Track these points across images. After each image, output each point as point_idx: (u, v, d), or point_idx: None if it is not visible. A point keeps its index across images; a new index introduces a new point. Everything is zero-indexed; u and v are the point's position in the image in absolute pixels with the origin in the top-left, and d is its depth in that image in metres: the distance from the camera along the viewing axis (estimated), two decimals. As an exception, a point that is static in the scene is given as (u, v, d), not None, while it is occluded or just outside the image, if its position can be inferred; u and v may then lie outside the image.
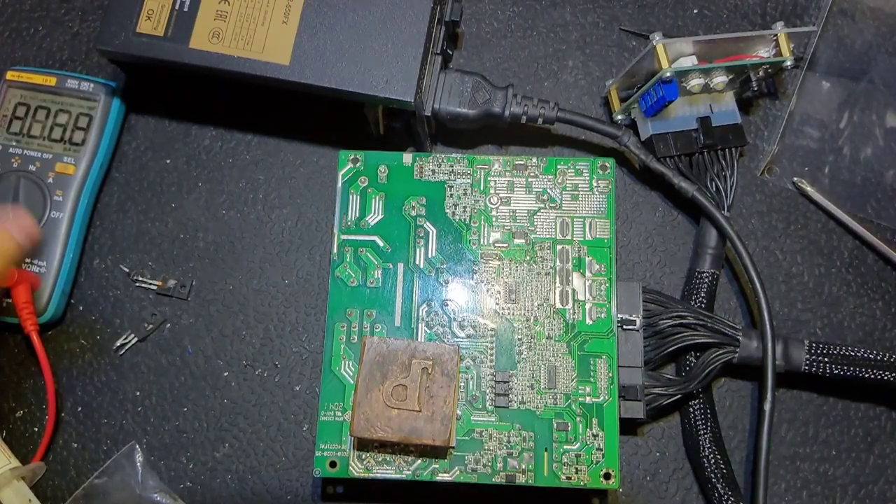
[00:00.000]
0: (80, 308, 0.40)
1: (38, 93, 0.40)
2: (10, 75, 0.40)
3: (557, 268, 0.36)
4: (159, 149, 0.41)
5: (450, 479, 0.34)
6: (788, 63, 0.37)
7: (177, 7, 0.35)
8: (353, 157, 0.37)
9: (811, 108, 0.41)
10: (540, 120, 0.38)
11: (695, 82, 0.37)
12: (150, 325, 0.39)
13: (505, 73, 0.42)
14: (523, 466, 0.34)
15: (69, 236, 0.39)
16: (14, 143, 0.40)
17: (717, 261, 0.38)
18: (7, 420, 0.38)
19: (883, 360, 0.35)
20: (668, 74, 0.35)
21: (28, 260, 0.38)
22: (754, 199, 0.41)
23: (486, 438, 0.34)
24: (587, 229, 0.36)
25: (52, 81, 0.40)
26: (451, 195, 0.37)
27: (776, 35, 0.36)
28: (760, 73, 0.38)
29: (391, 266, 0.36)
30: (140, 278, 0.40)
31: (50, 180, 0.39)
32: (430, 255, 0.36)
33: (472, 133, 0.40)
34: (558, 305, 0.35)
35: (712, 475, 0.36)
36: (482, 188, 0.37)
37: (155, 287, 0.40)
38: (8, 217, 0.34)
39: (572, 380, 0.34)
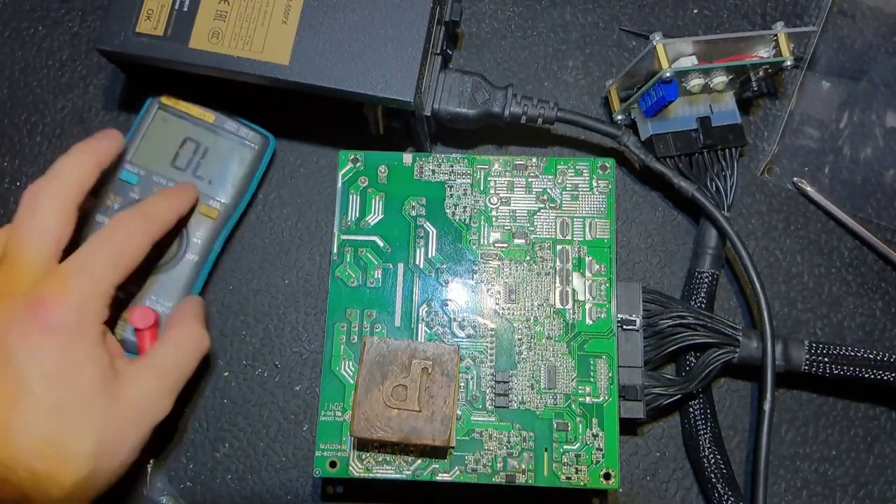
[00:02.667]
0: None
1: (192, 126, 0.38)
2: (165, 100, 0.38)
3: (557, 268, 0.36)
4: (159, 149, 0.41)
5: (450, 479, 0.34)
6: (788, 63, 0.37)
7: (176, 7, 0.35)
8: (353, 157, 0.37)
9: (811, 108, 0.41)
10: (540, 120, 0.38)
11: (695, 82, 0.37)
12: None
13: (505, 73, 0.42)
14: (523, 466, 0.34)
15: (196, 280, 0.37)
16: (159, 173, 0.38)
17: (717, 261, 0.38)
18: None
19: (883, 360, 0.35)
20: (668, 74, 0.35)
21: (154, 297, 0.37)
22: (754, 199, 0.41)
23: (486, 438, 0.34)
24: (587, 229, 0.36)
25: (210, 118, 0.38)
26: (451, 195, 0.37)
27: (776, 35, 0.36)
28: (760, 73, 0.38)
29: (391, 266, 0.36)
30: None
31: (191, 220, 0.37)
32: (430, 255, 0.36)
33: (472, 133, 0.40)
34: (558, 305, 0.35)
35: (712, 475, 0.36)
36: (482, 188, 0.37)
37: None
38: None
39: (572, 380, 0.34)
